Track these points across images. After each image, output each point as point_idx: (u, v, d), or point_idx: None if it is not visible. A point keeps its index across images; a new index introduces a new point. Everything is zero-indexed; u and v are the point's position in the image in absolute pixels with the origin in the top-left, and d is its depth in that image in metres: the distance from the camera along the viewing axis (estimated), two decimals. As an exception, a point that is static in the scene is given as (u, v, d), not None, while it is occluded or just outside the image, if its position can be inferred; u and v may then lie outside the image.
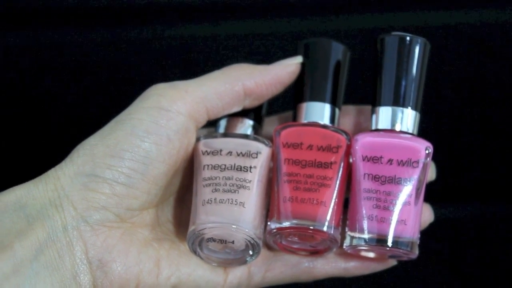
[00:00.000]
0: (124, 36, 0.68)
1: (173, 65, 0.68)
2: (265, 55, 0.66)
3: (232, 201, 0.47)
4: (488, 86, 0.69)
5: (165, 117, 0.47)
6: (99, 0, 0.67)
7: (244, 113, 0.52)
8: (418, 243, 0.49)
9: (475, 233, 0.71)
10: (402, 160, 0.48)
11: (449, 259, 0.71)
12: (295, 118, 0.51)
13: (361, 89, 0.54)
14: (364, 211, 0.48)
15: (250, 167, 0.48)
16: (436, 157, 0.50)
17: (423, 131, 0.51)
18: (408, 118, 0.49)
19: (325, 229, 0.48)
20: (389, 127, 0.49)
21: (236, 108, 0.50)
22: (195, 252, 0.48)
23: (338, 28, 0.68)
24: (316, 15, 0.68)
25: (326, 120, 0.50)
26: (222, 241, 0.48)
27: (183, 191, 0.51)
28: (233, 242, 0.48)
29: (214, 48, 0.68)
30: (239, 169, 0.48)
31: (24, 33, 0.68)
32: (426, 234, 0.50)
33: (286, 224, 0.48)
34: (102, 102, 0.69)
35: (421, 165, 0.48)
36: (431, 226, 0.52)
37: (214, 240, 0.48)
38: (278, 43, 0.68)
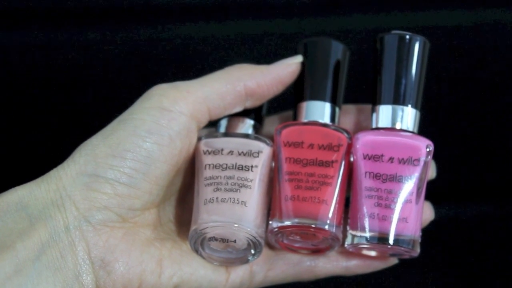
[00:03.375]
0: (124, 36, 0.68)
1: (173, 65, 0.68)
2: (264, 55, 0.67)
3: (233, 200, 0.47)
4: (488, 86, 0.70)
5: (167, 117, 0.47)
6: (99, 0, 0.67)
7: (244, 113, 0.52)
8: (419, 241, 0.49)
9: (475, 233, 0.71)
10: (403, 158, 0.48)
11: (448, 259, 0.71)
12: (295, 117, 0.51)
13: (361, 89, 0.54)
14: (365, 210, 0.48)
15: (252, 166, 0.48)
16: (435, 156, 0.50)
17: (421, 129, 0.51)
18: (408, 116, 0.49)
19: (326, 227, 0.48)
20: (389, 126, 0.49)
21: (238, 109, 0.50)
22: (197, 251, 0.48)
23: (338, 28, 0.68)
24: (316, 15, 0.68)
25: (326, 119, 0.50)
26: (224, 240, 0.48)
27: (184, 191, 0.51)
28: (235, 241, 0.48)
29: (213, 48, 0.68)
30: (240, 168, 0.48)
31: (24, 33, 0.68)
32: (425, 234, 0.50)
33: (287, 223, 0.48)
34: (102, 102, 0.69)
35: (422, 163, 0.48)
36: (430, 225, 0.52)
37: (216, 239, 0.48)
38: (278, 43, 0.68)
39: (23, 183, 0.46)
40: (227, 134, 0.50)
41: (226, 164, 0.48)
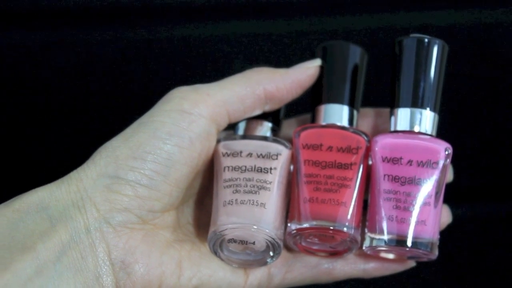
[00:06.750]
0: (124, 36, 0.68)
1: (173, 65, 0.68)
2: (265, 55, 0.67)
3: (253, 202, 0.47)
4: (488, 86, 0.69)
5: (187, 119, 0.47)
6: (99, 0, 0.67)
7: (262, 116, 0.52)
8: (438, 243, 0.49)
9: (475, 233, 0.71)
10: (422, 161, 0.48)
11: (448, 259, 0.71)
12: (313, 120, 0.52)
13: (379, 92, 0.54)
14: (383, 212, 0.48)
15: (271, 169, 0.48)
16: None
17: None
18: (427, 119, 0.49)
19: (345, 229, 0.48)
20: (408, 129, 0.49)
21: (257, 112, 0.50)
22: (215, 253, 0.49)
23: (339, 28, 0.68)
24: (317, 15, 0.68)
25: (344, 122, 0.51)
26: (243, 242, 0.48)
27: (202, 193, 0.52)
28: (254, 243, 0.48)
29: (214, 48, 0.68)
30: (259, 170, 0.48)
31: (24, 33, 0.68)
32: (440, 234, 0.51)
33: (306, 225, 0.48)
34: (102, 102, 0.69)
35: (440, 166, 0.48)
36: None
37: (235, 241, 0.48)
38: (279, 43, 0.68)
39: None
40: (245, 136, 0.50)
41: (245, 166, 0.48)
